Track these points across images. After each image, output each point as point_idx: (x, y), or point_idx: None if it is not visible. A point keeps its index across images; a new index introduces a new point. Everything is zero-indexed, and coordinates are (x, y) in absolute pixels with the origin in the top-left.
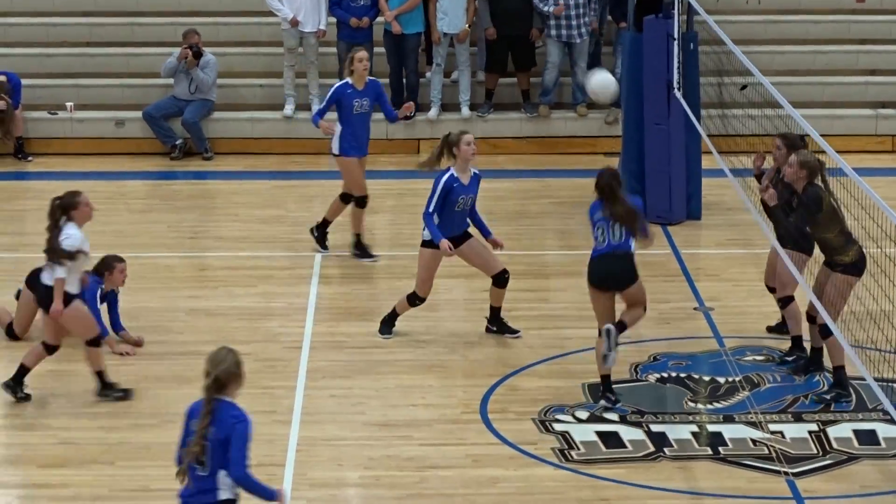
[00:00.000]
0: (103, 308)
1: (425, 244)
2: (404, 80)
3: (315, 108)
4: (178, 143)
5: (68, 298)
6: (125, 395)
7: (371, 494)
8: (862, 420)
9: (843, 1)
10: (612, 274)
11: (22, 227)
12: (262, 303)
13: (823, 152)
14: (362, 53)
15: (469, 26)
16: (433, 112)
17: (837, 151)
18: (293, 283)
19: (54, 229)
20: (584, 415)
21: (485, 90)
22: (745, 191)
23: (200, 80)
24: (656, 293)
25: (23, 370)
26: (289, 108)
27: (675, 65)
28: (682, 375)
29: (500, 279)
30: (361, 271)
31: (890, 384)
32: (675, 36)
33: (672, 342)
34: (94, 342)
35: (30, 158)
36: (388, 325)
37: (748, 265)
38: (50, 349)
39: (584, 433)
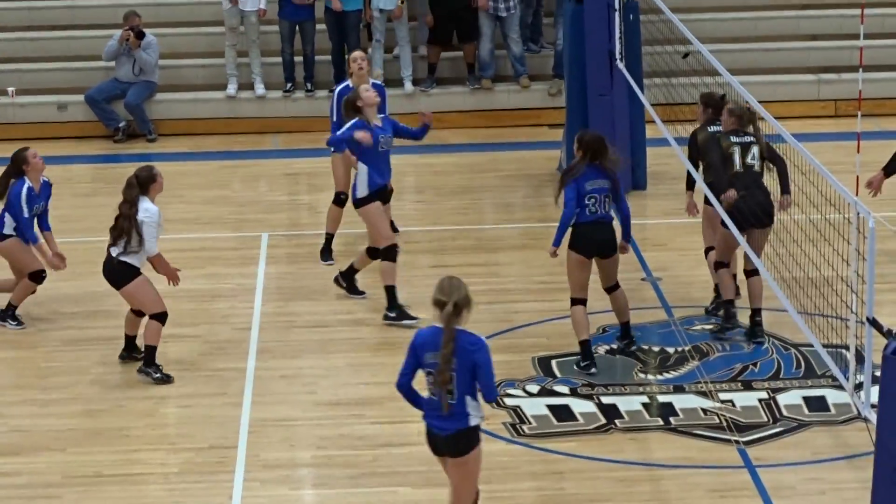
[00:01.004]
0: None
1: (361, 202)
2: (347, 57)
3: (259, 86)
4: (121, 125)
5: (135, 272)
6: (166, 379)
7: (325, 474)
8: (811, 387)
9: None
10: (601, 241)
11: None
12: (211, 284)
13: (762, 119)
14: (357, 53)
15: (402, 2)
16: None
17: (780, 117)
18: (241, 264)
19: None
20: (534, 389)
21: (427, 65)
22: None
23: (143, 60)
24: None
25: (150, 351)
26: (231, 88)
27: (617, 35)
28: (632, 346)
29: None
30: (308, 251)
31: (837, 350)
32: (616, 6)
33: None
34: (159, 317)
35: None
36: (396, 306)
37: (695, 234)
38: (161, 317)
39: (536, 407)
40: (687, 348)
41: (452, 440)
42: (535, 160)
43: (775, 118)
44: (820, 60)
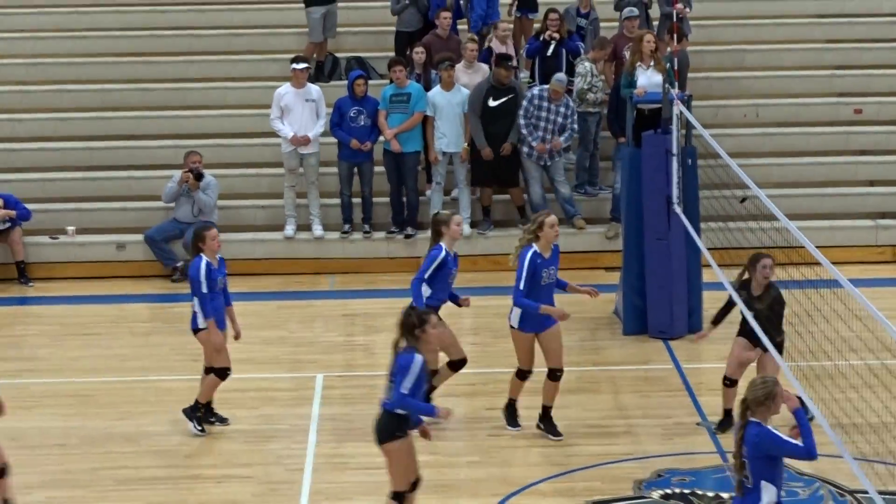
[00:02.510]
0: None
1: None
2: (404, 199)
3: (317, 227)
4: (179, 265)
5: None
6: None
7: None
8: None
9: (840, 112)
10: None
11: (23, 353)
12: (265, 425)
13: (818, 264)
14: (553, 218)
15: (468, 145)
16: None
17: (837, 263)
18: (295, 405)
19: None
20: None
21: (481, 207)
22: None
23: (203, 201)
24: (659, 408)
25: None
26: (290, 229)
27: (675, 180)
28: (686, 491)
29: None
30: (363, 392)
31: (894, 497)
32: (674, 151)
33: (676, 458)
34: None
35: (31, 283)
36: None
37: (750, 378)
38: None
39: None
40: None
41: None
42: (592, 303)
43: (832, 263)
44: (877, 206)
